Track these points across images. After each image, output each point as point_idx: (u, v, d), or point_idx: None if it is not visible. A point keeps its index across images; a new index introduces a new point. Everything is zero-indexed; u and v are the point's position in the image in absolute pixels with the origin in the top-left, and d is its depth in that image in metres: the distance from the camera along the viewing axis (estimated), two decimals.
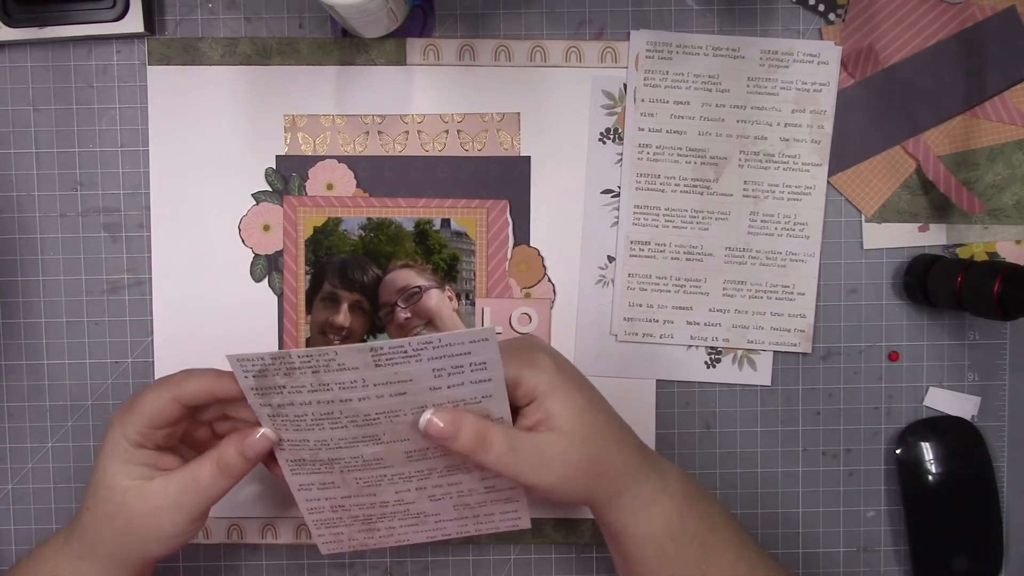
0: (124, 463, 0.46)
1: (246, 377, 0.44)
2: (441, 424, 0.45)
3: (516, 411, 0.47)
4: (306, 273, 0.58)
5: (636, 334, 0.58)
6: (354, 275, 0.57)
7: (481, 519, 0.52)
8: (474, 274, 0.58)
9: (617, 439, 0.48)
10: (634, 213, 0.58)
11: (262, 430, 0.46)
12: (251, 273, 0.58)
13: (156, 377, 0.58)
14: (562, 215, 0.58)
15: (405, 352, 0.43)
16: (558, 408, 0.46)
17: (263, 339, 0.58)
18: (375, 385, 0.44)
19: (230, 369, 0.44)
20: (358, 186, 0.58)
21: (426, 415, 0.45)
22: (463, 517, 0.52)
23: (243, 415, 0.47)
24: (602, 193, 0.58)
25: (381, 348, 0.43)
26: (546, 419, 0.46)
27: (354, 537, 0.52)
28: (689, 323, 0.58)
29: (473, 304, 0.58)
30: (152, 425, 0.46)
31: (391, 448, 0.47)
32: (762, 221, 0.58)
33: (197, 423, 0.49)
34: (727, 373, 0.59)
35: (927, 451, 0.58)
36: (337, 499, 0.50)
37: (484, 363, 0.44)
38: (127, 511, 0.46)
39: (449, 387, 0.45)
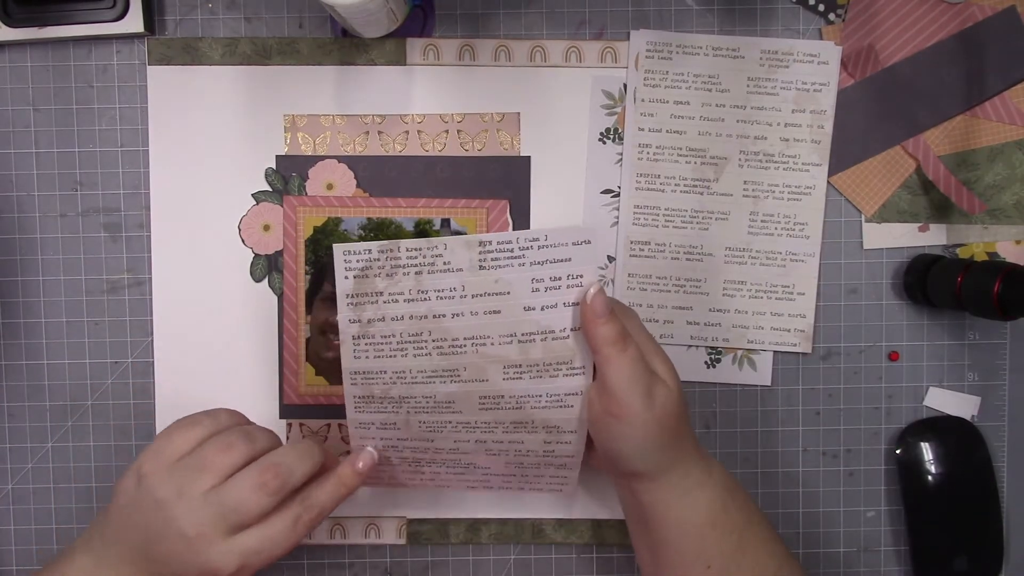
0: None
1: (346, 277, 0.45)
2: (604, 303, 0.45)
3: None
4: (306, 273, 0.58)
5: None
6: None
7: (530, 479, 0.52)
8: None
9: (687, 413, 0.48)
10: (634, 213, 0.58)
11: (367, 448, 0.50)
12: (251, 273, 0.58)
13: (156, 377, 0.58)
14: (562, 215, 0.58)
15: (511, 250, 0.44)
16: (656, 362, 0.47)
17: (263, 339, 0.58)
18: (472, 297, 0.45)
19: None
20: (358, 186, 0.58)
21: (592, 290, 0.45)
22: (511, 475, 0.52)
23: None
24: (602, 193, 0.58)
25: (489, 241, 0.44)
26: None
27: (395, 476, 0.52)
28: (689, 323, 0.58)
29: None
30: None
31: (467, 390, 0.47)
32: (762, 221, 0.58)
33: None
34: (727, 373, 0.59)
35: (927, 451, 0.58)
36: (392, 440, 0.50)
37: (580, 277, 0.45)
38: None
39: (543, 309, 0.45)
